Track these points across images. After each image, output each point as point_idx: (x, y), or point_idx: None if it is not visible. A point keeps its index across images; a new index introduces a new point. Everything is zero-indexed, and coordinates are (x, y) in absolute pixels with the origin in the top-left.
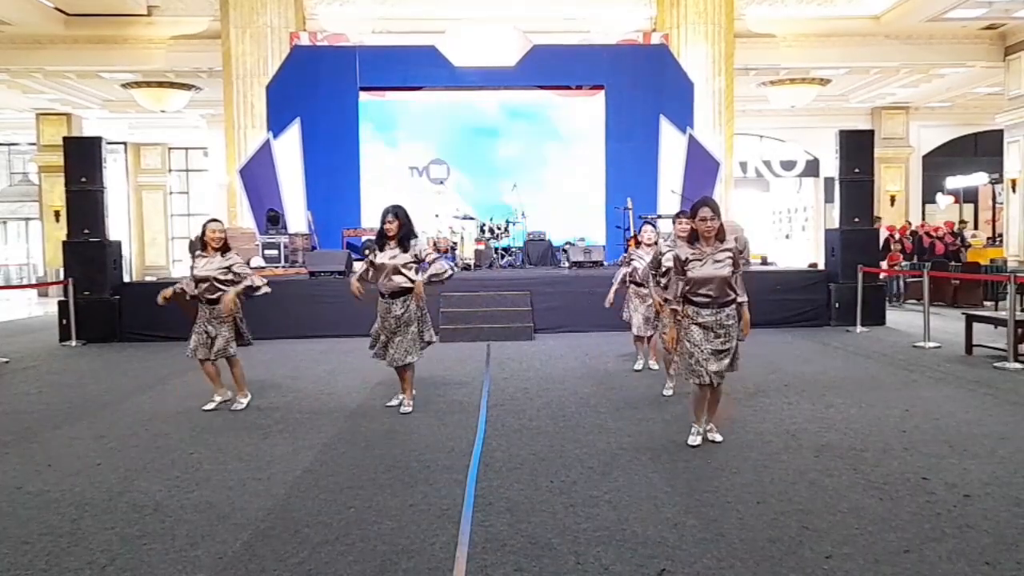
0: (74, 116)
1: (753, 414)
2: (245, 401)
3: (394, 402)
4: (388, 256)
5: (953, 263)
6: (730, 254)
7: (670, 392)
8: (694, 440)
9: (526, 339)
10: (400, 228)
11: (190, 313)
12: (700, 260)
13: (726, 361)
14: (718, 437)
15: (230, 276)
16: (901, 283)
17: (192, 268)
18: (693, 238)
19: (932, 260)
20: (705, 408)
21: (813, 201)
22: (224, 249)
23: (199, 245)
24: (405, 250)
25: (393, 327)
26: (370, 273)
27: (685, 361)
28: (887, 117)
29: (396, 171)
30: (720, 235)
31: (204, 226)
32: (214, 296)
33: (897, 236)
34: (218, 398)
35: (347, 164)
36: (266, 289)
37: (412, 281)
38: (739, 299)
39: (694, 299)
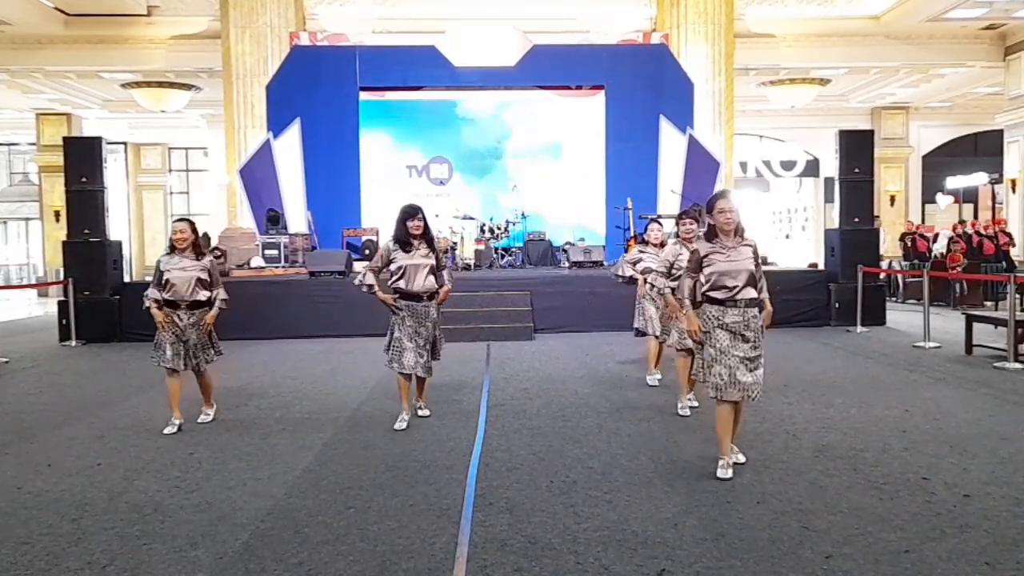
0: (74, 116)
1: (753, 414)
2: (212, 412)
3: (400, 425)
4: (420, 256)
5: (1005, 264)
6: (750, 251)
7: (687, 412)
8: (724, 472)
9: (526, 339)
10: (426, 229)
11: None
12: (723, 253)
13: (760, 372)
14: (740, 458)
15: (208, 278)
16: (963, 285)
17: (162, 273)
18: (711, 235)
19: (982, 260)
20: (731, 432)
21: (813, 201)
22: (198, 250)
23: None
24: (434, 251)
25: (430, 331)
26: (384, 275)
27: (708, 372)
28: (887, 117)
29: (396, 171)
30: (739, 230)
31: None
32: (198, 298)
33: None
34: (177, 421)
35: (347, 164)
36: (224, 303)
37: (440, 284)
38: (763, 296)
39: (718, 296)
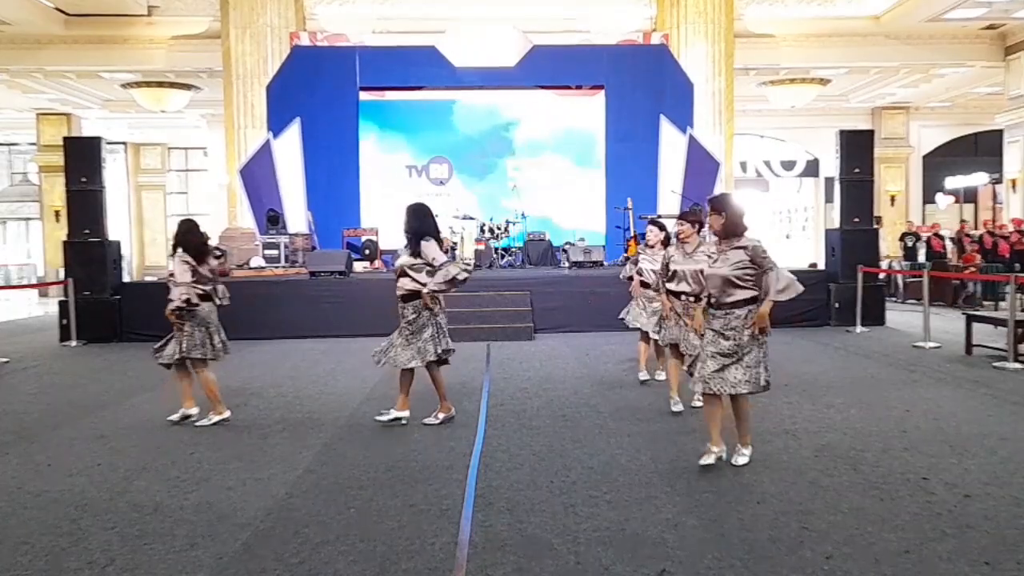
0: (74, 116)
1: (753, 414)
2: (216, 418)
3: (383, 417)
4: (405, 256)
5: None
6: (743, 252)
7: (679, 408)
8: (706, 459)
9: (526, 339)
10: (406, 226)
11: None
12: (712, 259)
13: (737, 372)
14: (741, 460)
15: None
16: (975, 285)
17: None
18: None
19: (996, 262)
20: (719, 424)
21: (813, 201)
22: (175, 249)
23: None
24: (414, 251)
25: (406, 331)
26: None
27: (696, 364)
28: (887, 117)
29: (396, 171)
30: (728, 231)
31: None
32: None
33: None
34: (182, 411)
35: (347, 164)
36: (195, 301)
37: (421, 284)
38: (765, 293)
39: (709, 300)
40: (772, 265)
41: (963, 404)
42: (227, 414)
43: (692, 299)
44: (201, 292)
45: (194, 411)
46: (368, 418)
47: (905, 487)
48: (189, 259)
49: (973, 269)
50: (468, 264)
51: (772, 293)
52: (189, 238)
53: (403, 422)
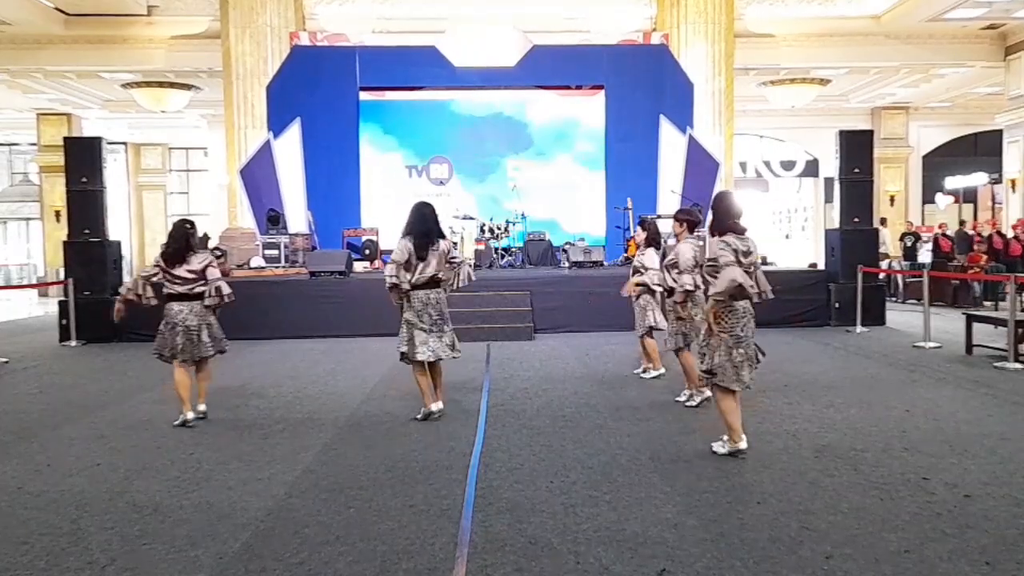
0: (74, 116)
1: (753, 414)
2: (180, 418)
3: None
4: None
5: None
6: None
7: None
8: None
9: (526, 339)
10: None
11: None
12: None
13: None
14: (718, 448)
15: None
16: (979, 286)
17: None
18: None
19: (1007, 262)
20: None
21: (813, 201)
22: None
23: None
24: None
25: None
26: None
27: None
28: (887, 117)
29: (396, 171)
30: (714, 229)
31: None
32: None
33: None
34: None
35: (347, 164)
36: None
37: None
38: (710, 291)
39: None
40: (724, 264)
41: (963, 404)
42: (191, 416)
43: (667, 294)
44: (175, 293)
45: (202, 407)
46: (368, 418)
47: (905, 487)
48: (158, 259)
49: (978, 269)
50: (390, 275)
51: (713, 287)
52: (166, 240)
53: (435, 416)
